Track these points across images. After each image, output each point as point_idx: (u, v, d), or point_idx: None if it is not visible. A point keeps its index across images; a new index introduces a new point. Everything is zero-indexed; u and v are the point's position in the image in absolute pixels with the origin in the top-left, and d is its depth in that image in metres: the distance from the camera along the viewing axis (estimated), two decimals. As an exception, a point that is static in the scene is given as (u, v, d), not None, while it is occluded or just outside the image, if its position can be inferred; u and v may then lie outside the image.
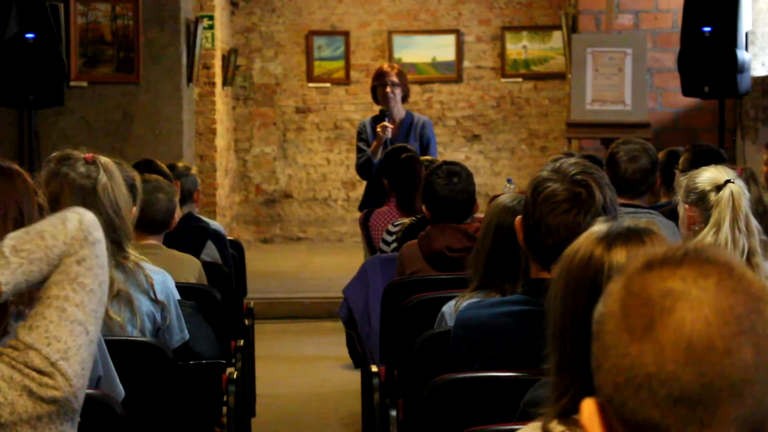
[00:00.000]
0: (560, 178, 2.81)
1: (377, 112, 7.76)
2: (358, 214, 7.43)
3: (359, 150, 7.74)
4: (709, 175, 3.72)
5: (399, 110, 7.74)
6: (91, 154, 3.42)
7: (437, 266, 4.71)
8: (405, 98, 7.82)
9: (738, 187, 3.62)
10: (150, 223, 4.65)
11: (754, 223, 3.55)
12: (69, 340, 1.94)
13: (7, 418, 1.88)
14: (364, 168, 7.68)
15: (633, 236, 2.05)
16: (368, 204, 7.56)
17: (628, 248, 1.96)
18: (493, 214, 3.49)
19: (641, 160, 5.03)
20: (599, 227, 2.20)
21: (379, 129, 7.54)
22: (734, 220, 3.54)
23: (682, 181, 3.84)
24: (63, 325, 1.94)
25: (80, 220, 2.05)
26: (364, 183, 7.85)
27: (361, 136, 7.75)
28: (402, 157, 6.29)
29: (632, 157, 5.02)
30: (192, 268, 4.79)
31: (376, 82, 7.82)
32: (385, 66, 8.06)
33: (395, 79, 7.72)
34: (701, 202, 3.67)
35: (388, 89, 7.66)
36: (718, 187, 3.63)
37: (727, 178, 3.65)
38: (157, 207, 4.67)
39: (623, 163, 5.00)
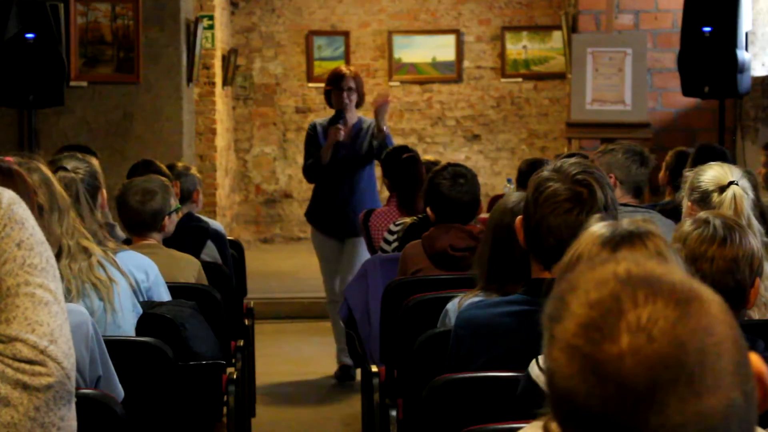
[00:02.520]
0: (561, 178, 2.81)
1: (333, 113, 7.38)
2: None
3: (308, 153, 7.42)
4: (713, 174, 3.72)
5: (352, 116, 7.37)
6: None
7: (440, 265, 4.71)
8: (359, 104, 7.42)
9: (741, 189, 3.62)
10: (128, 224, 4.69)
11: (756, 224, 3.55)
12: (51, 322, 1.88)
13: (4, 416, 1.86)
14: (311, 171, 7.37)
15: (636, 239, 2.06)
16: (314, 210, 7.39)
17: (633, 252, 1.96)
18: (494, 215, 3.48)
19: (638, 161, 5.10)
20: (599, 228, 2.20)
21: (332, 130, 7.24)
22: (736, 221, 3.54)
23: (688, 176, 3.86)
24: (39, 309, 1.88)
25: None
26: (352, 184, 7.53)
27: (312, 138, 7.40)
28: (403, 158, 6.28)
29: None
30: (191, 268, 4.80)
31: (332, 86, 7.41)
32: (343, 68, 7.63)
33: (352, 84, 7.35)
34: (703, 202, 3.68)
35: (344, 95, 7.31)
36: (721, 188, 3.63)
37: (731, 179, 3.65)
38: (131, 208, 4.67)
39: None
